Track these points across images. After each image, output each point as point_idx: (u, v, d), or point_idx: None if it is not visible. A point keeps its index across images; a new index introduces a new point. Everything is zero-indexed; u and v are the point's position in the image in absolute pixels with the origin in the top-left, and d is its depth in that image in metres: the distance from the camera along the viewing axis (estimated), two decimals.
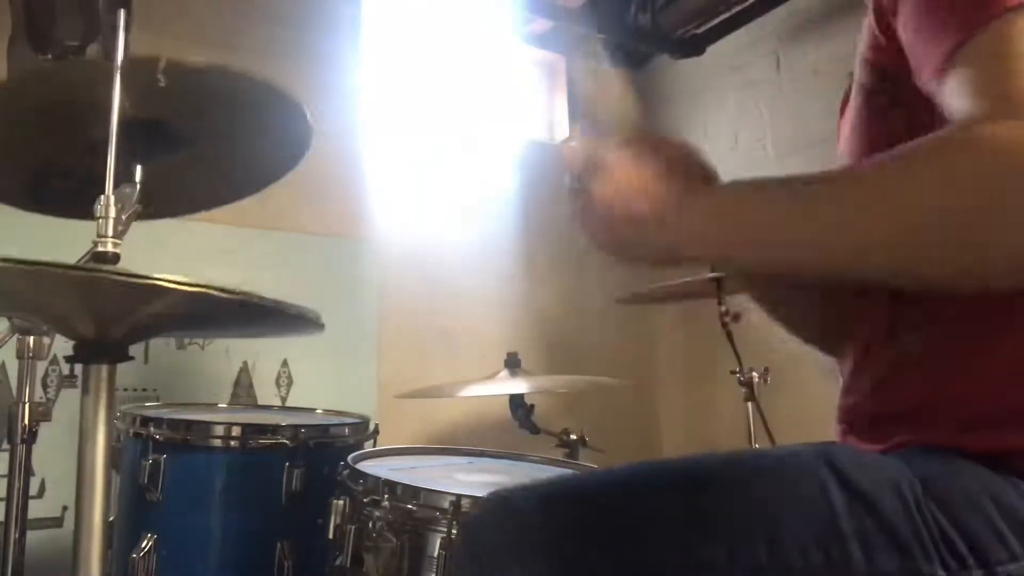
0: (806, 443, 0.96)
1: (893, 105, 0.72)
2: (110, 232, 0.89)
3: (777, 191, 0.62)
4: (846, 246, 0.57)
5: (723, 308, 1.97)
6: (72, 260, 1.12)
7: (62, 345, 0.98)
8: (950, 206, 0.52)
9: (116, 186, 0.91)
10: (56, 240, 1.60)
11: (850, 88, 0.93)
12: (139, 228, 1.02)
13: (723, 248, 0.65)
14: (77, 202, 1.21)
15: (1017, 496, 0.61)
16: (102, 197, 0.88)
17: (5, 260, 0.66)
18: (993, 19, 0.58)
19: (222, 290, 0.76)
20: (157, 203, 1.10)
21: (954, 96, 0.59)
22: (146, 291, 0.78)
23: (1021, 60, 0.56)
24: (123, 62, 0.90)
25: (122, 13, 0.92)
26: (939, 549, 0.58)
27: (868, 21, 0.74)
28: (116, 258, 0.89)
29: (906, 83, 0.69)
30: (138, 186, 0.97)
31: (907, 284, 0.62)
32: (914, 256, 0.55)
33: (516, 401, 1.70)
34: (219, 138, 1.21)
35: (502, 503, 0.67)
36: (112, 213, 0.89)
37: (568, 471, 1.09)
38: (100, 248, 0.89)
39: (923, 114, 0.67)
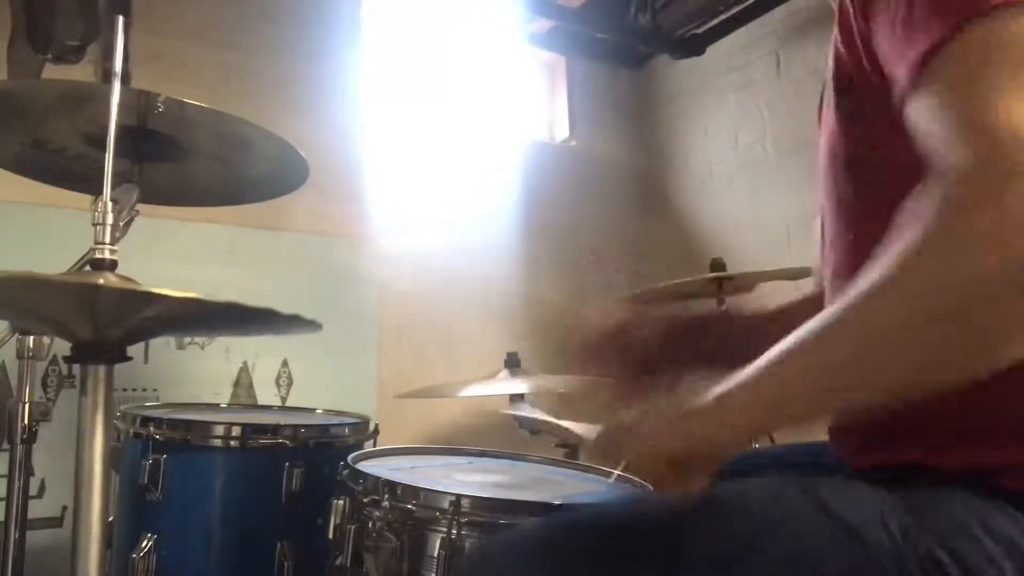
0: (808, 440, 0.96)
1: (852, 119, 0.71)
2: (107, 239, 0.89)
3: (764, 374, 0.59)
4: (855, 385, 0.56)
5: (723, 308, 1.97)
6: (71, 257, 1.13)
7: (62, 345, 0.98)
8: (941, 316, 0.50)
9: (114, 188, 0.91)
10: (55, 237, 1.61)
11: (823, 96, 0.93)
12: (140, 227, 1.02)
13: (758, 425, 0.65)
14: (69, 176, 1.22)
15: (1006, 519, 0.60)
16: (99, 203, 0.88)
17: (2, 272, 0.67)
18: (977, 17, 0.52)
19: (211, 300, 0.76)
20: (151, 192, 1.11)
21: (922, 118, 0.55)
22: (140, 298, 0.79)
23: (1008, 75, 0.50)
24: (122, 73, 0.90)
25: (119, 20, 0.92)
26: None
27: (835, 30, 0.73)
28: (114, 264, 0.89)
29: (867, 97, 0.67)
30: (137, 188, 0.97)
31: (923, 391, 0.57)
32: (920, 372, 0.53)
33: (516, 401, 1.70)
34: (214, 160, 1.23)
35: (480, 555, 0.67)
36: (109, 220, 0.89)
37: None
38: (98, 255, 0.88)
39: (880, 131, 0.66)
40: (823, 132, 0.81)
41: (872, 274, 0.53)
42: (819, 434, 0.86)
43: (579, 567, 0.61)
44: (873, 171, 0.70)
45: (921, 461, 0.66)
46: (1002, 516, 0.61)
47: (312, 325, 0.90)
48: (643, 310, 0.91)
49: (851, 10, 0.67)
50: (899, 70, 0.58)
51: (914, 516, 0.60)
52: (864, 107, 0.69)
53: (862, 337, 0.54)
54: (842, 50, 0.70)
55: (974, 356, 0.51)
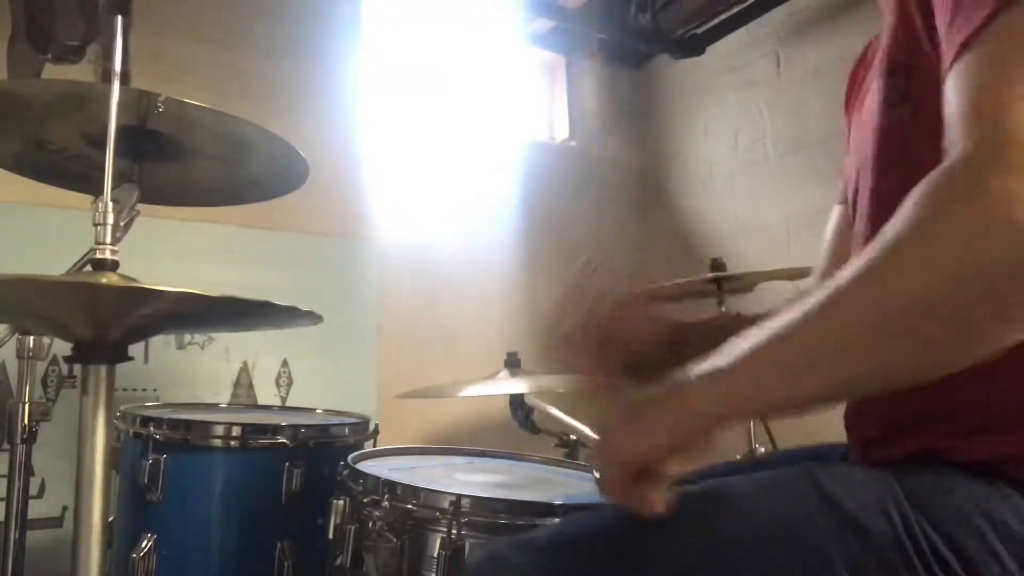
0: (802, 447, 0.96)
1: (901, 100, 0.71)
2: (108, 239, 0.88)
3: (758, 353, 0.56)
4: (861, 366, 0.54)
5: (723, 308, 1.97)
6: (71, 257, 1.13)
7: (62, 345, 0.98)
8: (936, 292, 0.49)
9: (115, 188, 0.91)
10: (55, 237, 1.61)
11: (851, 83, 0.92)
12: (141, 227, 1.03)
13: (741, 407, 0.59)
14: (69, 176, 1.22)
15: (1009, 510, 0.60)
16: (100, 203, 0.88)
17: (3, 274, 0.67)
18: (1014, 4, 0.52)
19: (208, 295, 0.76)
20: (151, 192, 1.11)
21: (951, 95, 0.56)
22: (139, 295, 0.79)
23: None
24: (122, 73, 0.90)
25: (119, 20, 0.91)
26: (931, 568, 0.58)
27: (889, 7, 0.73)
28: (115, 265, 0.89)
29: (916, 77, 0.67)
30: (137, 188, 0.97)
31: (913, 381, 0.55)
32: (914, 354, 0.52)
33: (516, 401, 1.69)
34: (214, 160, 1.23)
35: (492, 557, 0.66)
36: (110, 220, 0.89)
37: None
38: (99, 255, 0.88)
39: (930, 110, 0.66)
40: (860, 122, 0.80)
41: (872, 252, 0.52)
42: (824, 436, 0.86)
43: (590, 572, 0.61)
44: (922, 159, 0.70)
45: (930, 450, 0.66)
46: (1007, 506, 0.61)
47: (311, 316, 0.91)
48: (643, 305, 0.86)
49: None
50: (946, 49, 0.59)
51: (916, 506, 0.60)
52: (911, 87, 0.69)
53: (854, 315, 0.52)
54: (896, 25, 0.70)
55: (949, 351, 0.51)
